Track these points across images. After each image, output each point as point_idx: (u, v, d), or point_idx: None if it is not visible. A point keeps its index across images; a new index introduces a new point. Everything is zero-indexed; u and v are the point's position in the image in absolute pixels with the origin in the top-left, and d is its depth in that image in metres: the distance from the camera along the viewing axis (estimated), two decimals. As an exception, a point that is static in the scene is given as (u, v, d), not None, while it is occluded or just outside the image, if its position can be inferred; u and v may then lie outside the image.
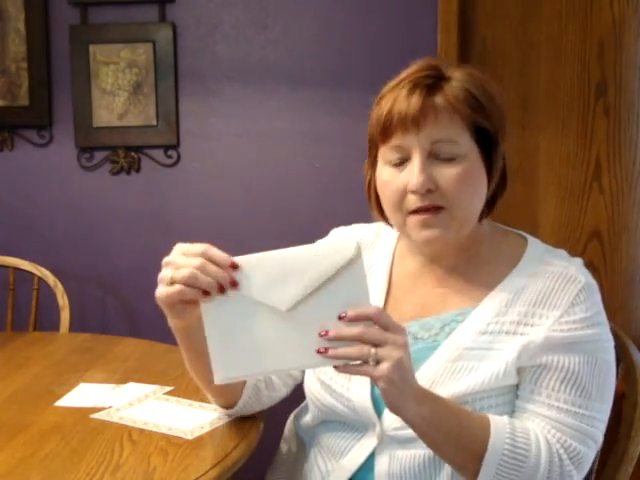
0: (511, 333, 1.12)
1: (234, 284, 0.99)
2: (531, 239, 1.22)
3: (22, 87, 2.36)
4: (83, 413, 1.30)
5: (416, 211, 1.12)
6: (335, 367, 0.98)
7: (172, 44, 2.30)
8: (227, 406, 1.25)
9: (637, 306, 2.26)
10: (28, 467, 1.12)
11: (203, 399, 1.36)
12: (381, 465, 1.14)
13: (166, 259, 1.04)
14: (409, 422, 1.02)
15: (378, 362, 0.95)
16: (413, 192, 1.10)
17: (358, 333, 0.96)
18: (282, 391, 1.30)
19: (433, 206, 1.11)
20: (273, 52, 2.30)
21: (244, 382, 1.22)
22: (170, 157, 2.36)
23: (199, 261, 1.01)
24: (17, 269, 2.14)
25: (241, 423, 1.26)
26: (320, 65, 2.29)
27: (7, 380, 1.50)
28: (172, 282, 1.01)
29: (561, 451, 1.08)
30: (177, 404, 1.34)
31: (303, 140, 2.33)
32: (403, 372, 0.96)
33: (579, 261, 1.19)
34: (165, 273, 1.02)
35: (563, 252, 1.21)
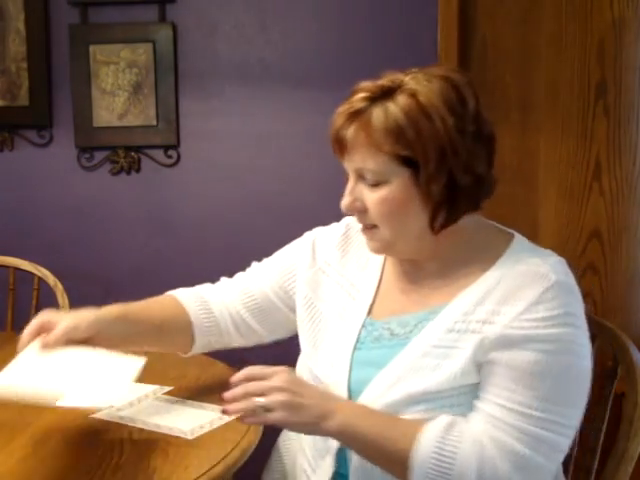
0: (477, 332, 1.11)
1: None
2: (517, 239, 1.21)
3: (22, 87, 2.36)
4: (83, 413, 1.30)
5: None
6: (242, 420, 1.11)
7: (172, 44, 2.30)
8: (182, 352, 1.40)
9: (637, 306, 2.26)
10: (28, 467, 1.12)
11: (203, 399, 1.36)
12: (353, 456, 1.16)
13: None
14: (330, 436, 1.13)
15: (268, 410, 1.08)
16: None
17: (243, 392, 1.10)
18: (238, 341, 1.41)
19: (366, 225, 1.18)
20: (273, 52, 2.30)
21: (191, 343, 1.37)
22: (170, 157, 2.36)
23: None
24: (17, 269, 2.14)
25: (241, 423, 1.25)
26: (320, 65, 2.29)
27: (7, 380, 1.49)
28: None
29: (494, 452, 1.05)
30: (177, 404, 1.34)
31: (303, 140, 2.32)
32: (295, 409, 1.08)
33: (557, 259, 1.16)
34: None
35: (546, 251, 1.18)
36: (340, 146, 1.16)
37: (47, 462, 1.13)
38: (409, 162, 1.11)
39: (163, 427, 1.23)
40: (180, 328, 1.37)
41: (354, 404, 1.15)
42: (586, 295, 2.23)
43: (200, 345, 1.39)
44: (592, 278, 2.25)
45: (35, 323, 1.22)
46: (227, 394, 1.10)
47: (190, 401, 1.35)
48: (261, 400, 1.08)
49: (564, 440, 1.08)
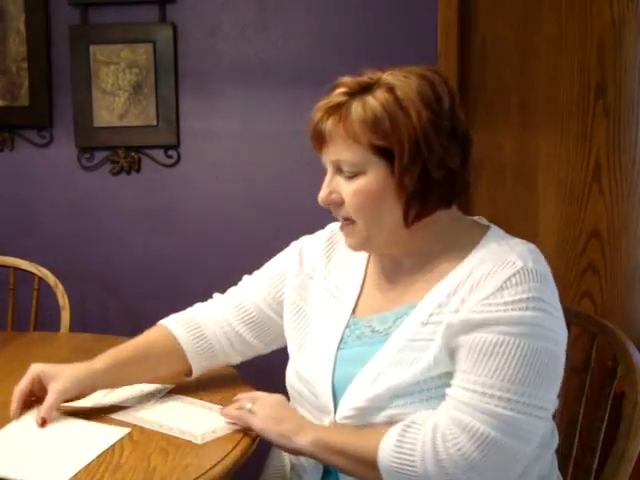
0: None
1: None
2: (492, 230, 1.22)
3: (22, 87, 2.36)
4: (83, 413, 1.30)
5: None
6: (227, 415, 1.27)
7: (172, 44, 2.30)
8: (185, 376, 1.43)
9: (637, 306, 2.26)
10: (28, 467, 1.12)
11: (203, 398, 1.36)
12: None
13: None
14: (302, 453, 1.19)
15: (252, 413, 1.22)
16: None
17: (240, 397, 1.28)
18: (236, 359, 1.45)
19: (344, 218, 1.20)
20: (273, 52, 2.30)
21: (189, 371, 1.41)
22: (170, 157, 2.36)
23: None
24: (17, 269, 2.15)
25: (226, 419, 1.26)
26: (320, 65, 2.28)
27: (8, 380, 1.49)
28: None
29: (454, 430, 1.05)
30: (190, 404, 1.35)
31: (303, 140, 2.31)
32: (273, 419, 1.20)
33: (526, 248, 1.16)
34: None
35: (517, 240, 1.19)
36: (318, 139, 1.20)
37: (47, 462, 1.13)
38: (385, 153, 1.14)
39: (176, 430, 1.23)
40: (174, 359, 1.40)
41: (326, 427, 1.20)
42: (586, 295, 2.24)
43: (198, 368, 1.42)
44: (592, 278, 2.25)
45: (26, 383, 1.28)
46: (224, 411, 1.27)
47: (202, 401, 1.36)
48: (248, 405, 1.23)
49: (534, 421, 1.07)
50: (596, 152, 2.23)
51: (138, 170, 2.38)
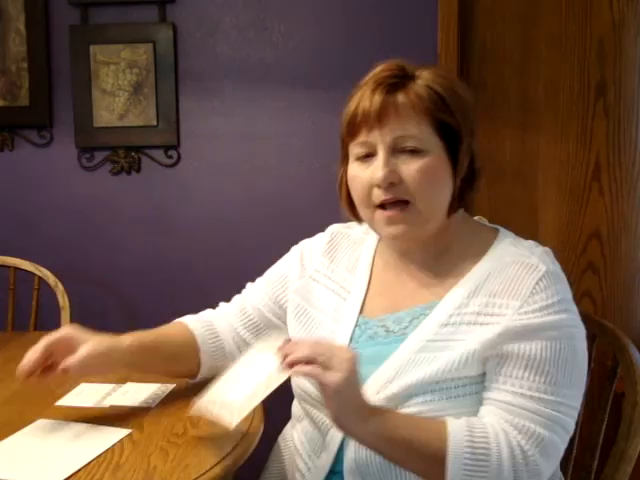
0: (472, 324, 1.14)
1: None
2: (502, 232, 1.24)
3: (22, 87, 2.36)
4: (84, 413, 1.30)
5: (383, 206, 1.17)
6: (294, 371, 1.06)
7: (172, 44, 2.30)
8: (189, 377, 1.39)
9: (637, 306, 2.26)
10: (28, 467, 1.12)
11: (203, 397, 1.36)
12: (349, 454, 1.17)
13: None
14: (358, 439, 1.09)
15: (327, 369, 1.02)
16: (378, 186, 1.15)
17: (307, 354, 1.04)
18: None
19: (398, 200, 1.16)
20: (273, 52, 2.31)
21: (197, 370, 1.37)
22: (170, 157, 2.37)
23: None
24: (17, 269, 2.15)
25: (241, 424, 1.26)
26: (320, 65, 2.29)
27: (8, 380, 1.50)
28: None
29: (519, 437, 1.07)
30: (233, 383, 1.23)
31: (303, 140, 2.33)
32: (349, 386, 1.03)
33: (542, 250, 1.20)
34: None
35: (530, 242, 1.22)
36: (373, 120, 1.15)
37: (47, 462, 1.13)
38: (446, 133, 1.15)
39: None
40: (188, 354, 1.38)
41: (381, 408, 1.11)
42: (586, 295, 2.24)
43: (207, 368, 1.39)
44: (592, 278, 2.25)
45: (56, 338, 1.25)
46: (288, 359, 1.05)
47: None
48: (324, 355, 1.03)
49: (571, 421, 1.12)
50: (596, 152, 2.23)
51: (138, 170, 2.38)
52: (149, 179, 2.38)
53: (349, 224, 1.38)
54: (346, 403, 1.04)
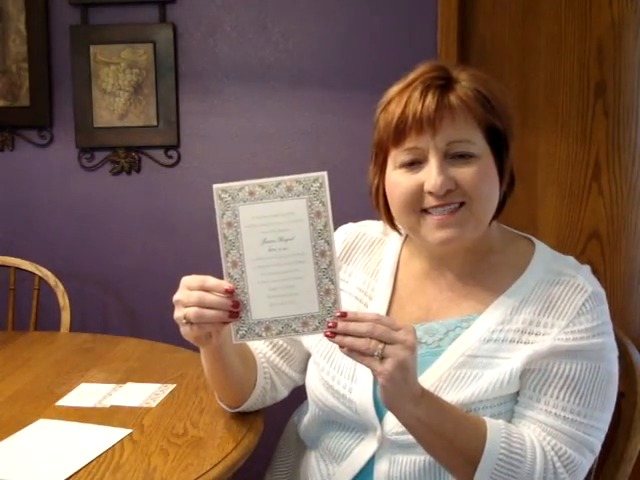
0: (515, 342, 1.12)
1: (236, 306, 1.01)
2: (539, 245, 1.21)
3: (23, 87, 2.36)
4: (84, 413, 1.31)
5: (433, 211, 1.11)
6: (341, 348, 0.98)
7: (172, 44, 2.30)
8: (234, 406, 1.26)
9: (637, 306, 2.27)
10: (29, 467, 1.12)
11: (203, 398, 1.37)
12: (381, 469, 1.15)
13: (174, 297, 1.06)
14: (404, 422, 1.03)
15: (383, 358, 0.95)
16: (431, 193, 1.10)
17: (367, 330, 0.96)
18: (283, 392, 1.31)
19: (453, 202, 1.11)
20: (273, 52, 2.31)
21: (254, 385, 1.24)
22: (170, 157, 2.37)
23: (197, 296, 1.03)
24: (18, 269, 2.15)
25: (241, 423, 1.26)
26: (320, 65, 2.29)
27: (8, 380, 1.50)
28: (187, 321, 1.03)
29: (555, 459, 1.08)
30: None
31: (303, 140, 2.33)
32: (405, 373, 0.97)
33: (587, 269, 1.18)
34: (178, 314, 1.05)
35: (571, 259, 1.20)
36: (425, 124, 1.09)
37: (48, 462, 1.13)
38: (493, 138, 1.13)
39: None
40: (249, 376, 1.25)
41: (432, 395, 1.06)
42: (586, 295, 2.24)
43: (253, 399, 1.25)
44: (592, 278, 2.25)
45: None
46: (341, 326, 0.98)
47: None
48: (382, 336, 0.96)
49: (599, 443, 1.12)
50: (596, 152, 2.23)
51: (138, 170, 2.38)
52: (149, 179, 2.38)
53: (363, 223, 1.32)
54: (399, 390, 0.98)
